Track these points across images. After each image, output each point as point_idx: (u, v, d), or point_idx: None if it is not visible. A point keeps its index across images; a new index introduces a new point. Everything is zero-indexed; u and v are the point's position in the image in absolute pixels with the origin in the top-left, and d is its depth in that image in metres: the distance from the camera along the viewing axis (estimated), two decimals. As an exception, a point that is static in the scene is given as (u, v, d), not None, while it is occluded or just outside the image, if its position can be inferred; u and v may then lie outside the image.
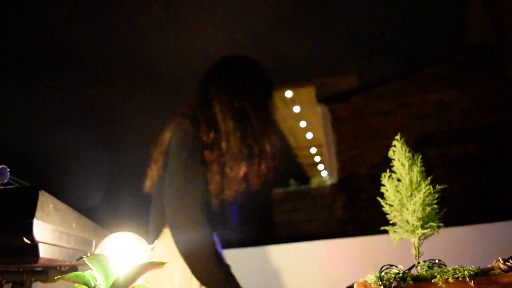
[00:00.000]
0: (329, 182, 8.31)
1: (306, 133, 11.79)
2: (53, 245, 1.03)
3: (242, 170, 1.78)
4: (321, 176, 12.13)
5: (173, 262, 1.70)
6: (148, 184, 1.89)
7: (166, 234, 1.73)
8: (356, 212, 6.79)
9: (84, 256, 0.84)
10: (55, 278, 0.89)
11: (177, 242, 1.61)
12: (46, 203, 1.00)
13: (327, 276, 2.71)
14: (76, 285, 0.89)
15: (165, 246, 1.72)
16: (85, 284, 0.86)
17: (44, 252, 0.99)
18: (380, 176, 0.97)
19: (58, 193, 1.12)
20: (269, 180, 1.87)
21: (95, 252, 0.97)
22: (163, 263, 0.87)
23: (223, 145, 1.75)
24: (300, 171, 13.23)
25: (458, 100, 7.03)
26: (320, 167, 13.12)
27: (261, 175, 1.84)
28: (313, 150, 12.46)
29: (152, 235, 1.71)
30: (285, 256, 2.81)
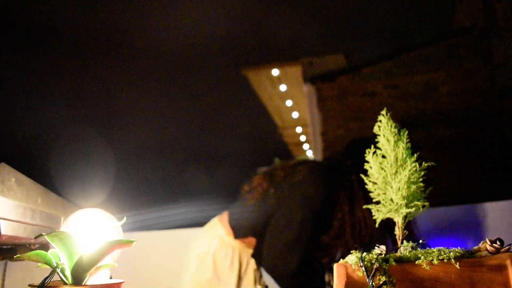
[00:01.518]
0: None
1: (292, 112, 11.74)
2: (16, 221, 0.97)
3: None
4: (306, 155, 12.13)
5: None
6: (249, 192, 1.92)
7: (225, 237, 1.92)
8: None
9: (43, 234, 0.78)
10: (14, 257, 0.83)
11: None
12: (8, 177, 0.94)
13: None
14: (39, 264, 0.84)
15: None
16: (46, 263, 0.80)
17: (5, 229, 0.93)
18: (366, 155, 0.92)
19: (24, 167, 1.06)
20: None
21: (61, 228, 0.91)
22: (131, 241, 0.81)
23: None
24: (285, 150, 13.22)
25: (445, 82, 7.01)
26: (306, 146, 13.12)
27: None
28: (298, 129, 12.44)
29: (235, 230, 1.87)
30: None
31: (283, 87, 10.56)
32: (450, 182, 6.36)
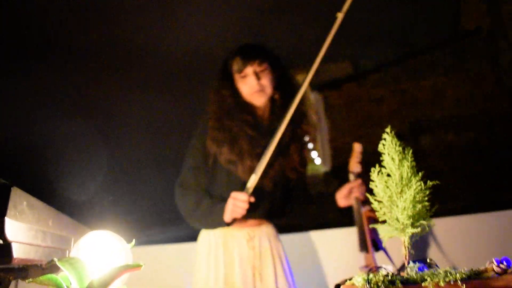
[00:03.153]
0: (322, 169, 8.29)
1: (299, 120, 11.72)
2: (28, 244, 0.98)
3: None
4: (314, 163, 12.12)
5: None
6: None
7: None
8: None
9: (55, 259, 0.79)
10: (27, 281, 0.85)
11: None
12: (19, 200, 0.95)
13: (319, 269, 2.69)
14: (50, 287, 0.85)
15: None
16: (57, 287, 0.81)
17: (17, 251, 0.95)
18: (374, 163, 0.93)
19: (34, 190, 1.08)
20: None
21: (72, 252, 0.92)
22: (139, 265, 0.82)
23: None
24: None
25: (453, 87, 6.98)
26: (314, 154, 13.10)
27: None
28: (305, 137, 12.42)
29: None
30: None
31: (289, 95, 10.55)
32: (460, 189, 6.32)
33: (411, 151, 0.89)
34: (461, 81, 6.91)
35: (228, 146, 2.00)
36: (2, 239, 0.91)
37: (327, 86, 7.40)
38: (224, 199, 1.94)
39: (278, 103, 2.10)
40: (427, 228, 0.84)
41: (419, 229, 0.83)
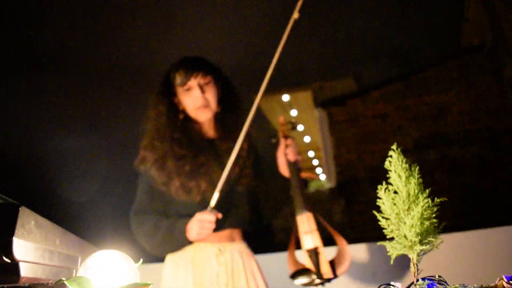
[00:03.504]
0: (327, 186, 8.27)
1: (303, 137, 11.75)
2: (35, 263, 0.99)
3: None
4: (319, 179, 12.08)
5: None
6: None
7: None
8: (356, 216, 6.74)
9: (63, 279, 0.80)
10: (34, 301, 0.85)
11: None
12: (27, 220, 0.96)
13: None
14: (58, 307, 0.85)
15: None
16: (65, 307, 0.81)
17: (25, 271, 0.95)
18: (379, 179, 0.93)
19: (41, 208, 1.08)
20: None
21: (79, 271, 0.92)
22: (147, 284, 0.82)
23: None
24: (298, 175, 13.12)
25: (457, 102, 6.99)
26: (319, 170, 13.08)
27: None
28: (311, 153, 12.42)
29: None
30: (284, 265, 2.77)
31: (294, 112, 10.60)
32: (465, 205, 6.29)
33: (417, 168, 0.89)
34: (465, 96, 6.94)
35: (155, 167, 1.93)
36: (9, 259, 0.92)
37: (331, 103, 7.43)
38: (182, 217, 1.88)
39: (222, 118, 2.04)
40: (435, 245, 0.84)
41: (427, 246, 0.83)
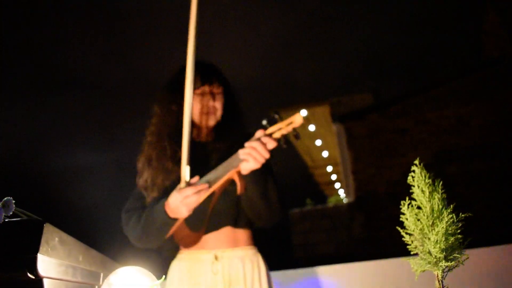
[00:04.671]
0: (346, 200, 8.21)
1: (322, 152, 11.72)
2: (59, 279, 1.00)
3: None
4: (338, 194, 12.02)
5: None
6: None
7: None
8: (376, 231, 6.67)
9: (87, 295, 0.80)
10: (58, 317, 0.86)
11: None
12: (51, 236, 0.97)
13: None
14: (81, 323, 0.86)
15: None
16: (89, 323, 0.82)
17: (49, 287, 0.96)
18: (399, 194, 0.92)
19: (65, 225, 1.09)
20: None
21: (102, 287, 0.93)
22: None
23: None
24: (316, 189, 13.11)
25: (477, 115, 6.91)
26: (337, 185, 13.00)
27: None
28: (329, 168, 12.36)
29: None
30: (304, 281, 2.74)
31: (312, 127, 10.59)
32: (487, 219, 6.17)
33: (441, 183, 0.88)
34: (485, 109, 6.85)
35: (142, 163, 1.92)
36: (34, 275, 0.93)
37: (350, 117, 7.42)
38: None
39: (222, 125, 1.98)
40: (461, 261, 0.82)
41: (452, 262, 0.81)
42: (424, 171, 0.90)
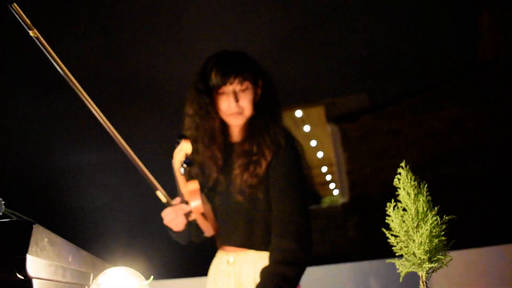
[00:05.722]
0: (341, 201, 8.23)
1: (316, 152, 11.74)
2: (48, 280, 1.00)
3: None
4: (332, 195, 12.04)
5: None
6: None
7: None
8: (370, 232, 6.69)
9: (75, 295, 0.81)
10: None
11: None
12: (41, 237, 0.98)
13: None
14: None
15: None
16: (76, 324, 0.82)
17: (38, 287, 0.97)
18: (393, 196, 0.93)
19: (55, 225, 1.10)
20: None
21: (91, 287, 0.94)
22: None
23: None
24: (311, 190, 13.10)
25: (471, 117, 6.95)
26: (332, 185, 13.03)
27: None
28: (324, 169, 12.39)
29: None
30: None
31: (307, 128, 10.62)
32: (479, 220, 6.20)
33: (426, 185, 0.89)
34: (480, 111, 6.88)
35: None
36: (23, 276, 0.93)
37: (344, 119, 7.43)
38: None
39: (253, 123, 1.84)
40: (444, 263, 0.84)
41: (436, 264, 0.83)
42: (410, 173, 0.92)
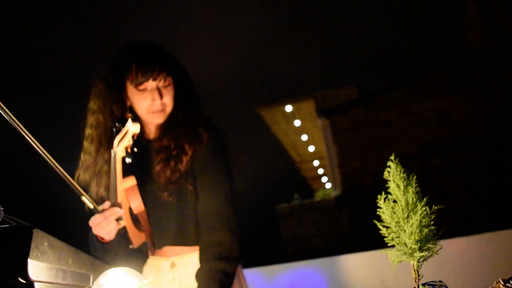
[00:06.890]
0: (333, 194, 8.28)
1: (308, 146, 11.79)
2: (49, 282, 1.02)
3: None
4: (325, 188, 12.10)
5: None
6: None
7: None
8: (363, 223, 6.74)
9: (77, 297, 0.83)
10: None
11: None
12: (41, 241, 0.99)
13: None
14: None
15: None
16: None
17: (40, 291, 0.98)
18: (384, 186, 0.96)
19: (54, 229, 1.11)
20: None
21: (92, 289, 0.96)
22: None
23: None
24: (304, 184, 13.17)
25: (460, 106, 7.01)
26: (324, 179, 13.09)
27: None
28: (316, 162, 12.45)
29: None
30: (295, 275, 2.78)
31: (297, 122, 10.65)
32: (471, 209, 6.28)
33: (415, 177, 0.92)
34: (468, 100, 6.96)
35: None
36: (25, 279, 0.95)
37: (334, 111, 7.47)
38: None
39: (171, 118, 1.72)
40: (435, 251, 0.87)
41: (427, 253, 0.86)
42: (400, 166, 0.95)
